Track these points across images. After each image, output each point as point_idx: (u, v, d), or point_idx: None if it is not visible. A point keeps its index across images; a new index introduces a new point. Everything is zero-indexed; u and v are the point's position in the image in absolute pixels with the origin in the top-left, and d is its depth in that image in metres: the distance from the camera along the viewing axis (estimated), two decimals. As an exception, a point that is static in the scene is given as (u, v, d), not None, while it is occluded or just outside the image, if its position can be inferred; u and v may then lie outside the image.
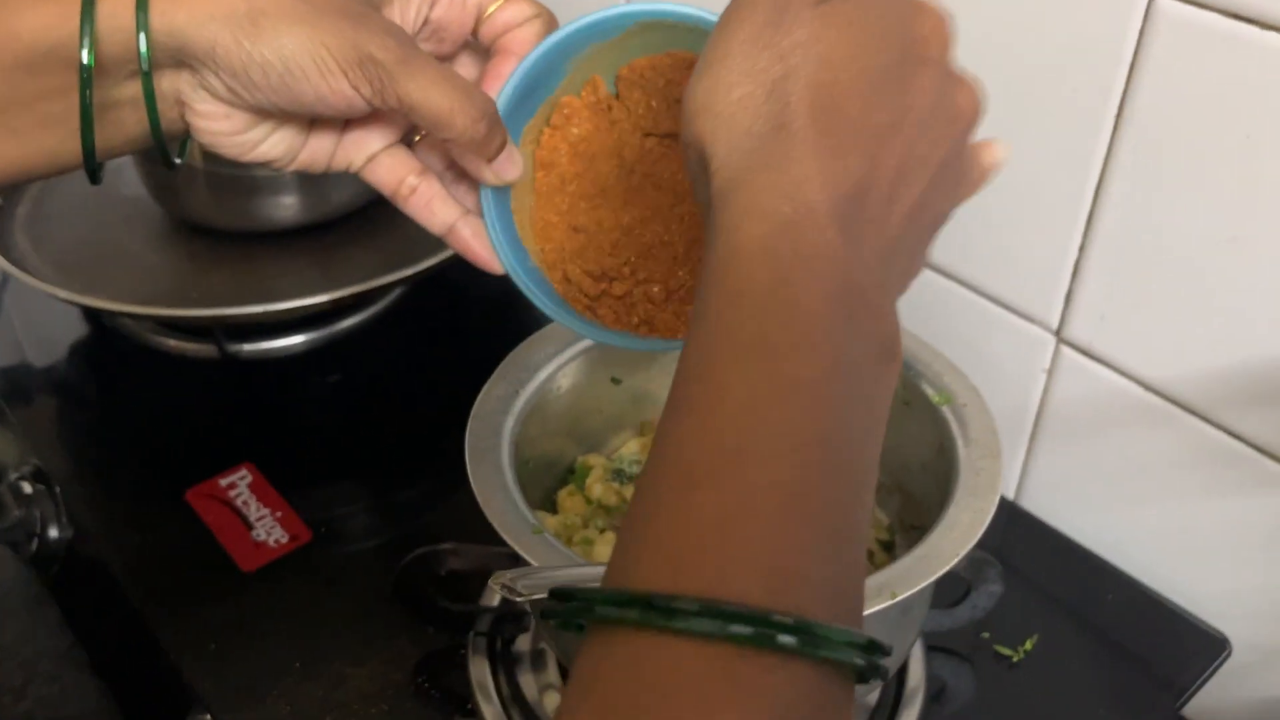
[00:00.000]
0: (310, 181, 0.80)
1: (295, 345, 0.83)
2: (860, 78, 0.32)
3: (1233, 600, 0.65)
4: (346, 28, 0.39)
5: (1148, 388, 0.66)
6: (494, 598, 0.64)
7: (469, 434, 0.52)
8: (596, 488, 0.58)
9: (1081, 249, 0.66)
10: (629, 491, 0.58)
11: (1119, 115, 0.61)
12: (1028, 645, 0.63)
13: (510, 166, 0.44)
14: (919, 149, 0.33)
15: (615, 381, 0.61)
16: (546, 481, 0.59)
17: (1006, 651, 0.63)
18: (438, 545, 0.59)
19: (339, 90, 0.39)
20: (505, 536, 0.46)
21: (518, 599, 0.40)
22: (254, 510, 0.72)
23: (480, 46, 0.46)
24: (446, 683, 0.62)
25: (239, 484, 0.73)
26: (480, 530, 0.70)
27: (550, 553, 0.46)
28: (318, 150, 0.44)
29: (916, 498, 0.57)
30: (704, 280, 0.32)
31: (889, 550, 0.57)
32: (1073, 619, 0.65)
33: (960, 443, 0.52)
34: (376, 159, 0.45)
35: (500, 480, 0.49)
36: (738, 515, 0.29)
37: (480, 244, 0.46)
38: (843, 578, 0.30)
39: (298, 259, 0.81)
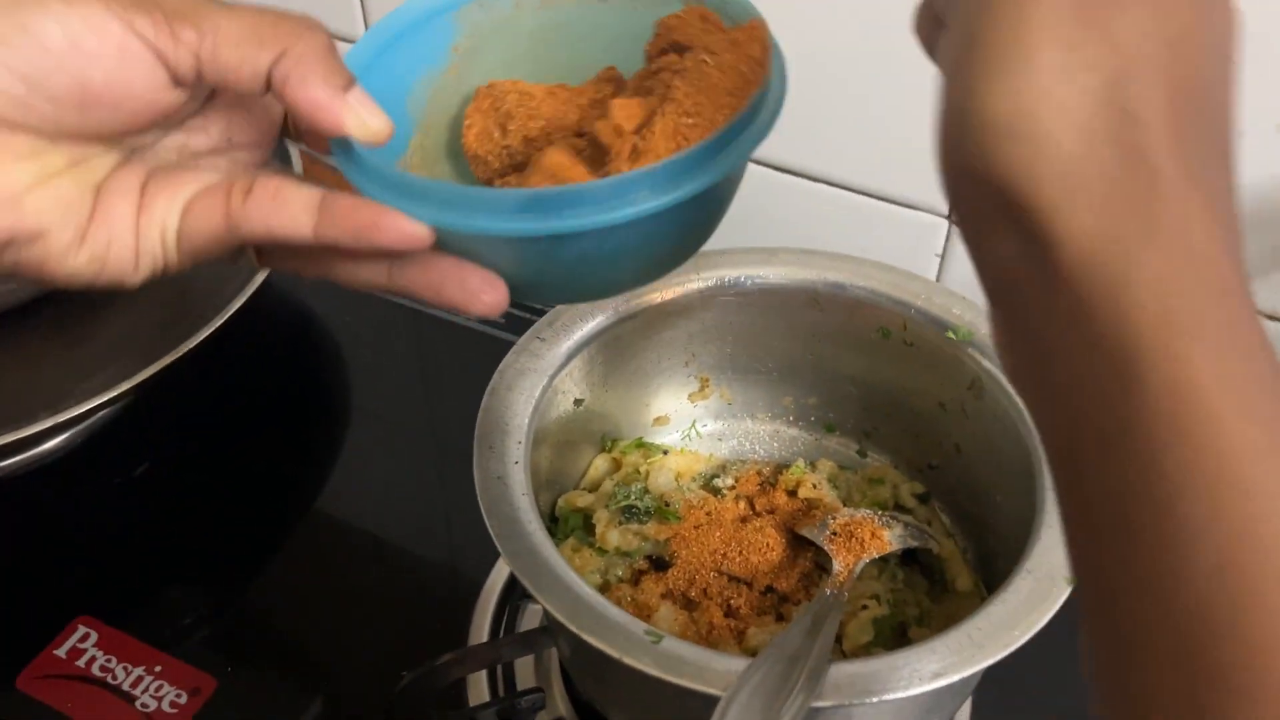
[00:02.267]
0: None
1: (65, 443, 0.65)
2: (1211, 63, 0.23)
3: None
4: None
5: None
6: (484, 689, 0.54)
7: (499, 540, 0.41)
8: (612, 536, 0.49)
9: (974, 127, 0.63)
10: (650, 529, 0.50)
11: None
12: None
13: (376, 117, 0.30)
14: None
15: (578, 404, 0.51)
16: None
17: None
18: (435, 661, 0.48)
19: (132, 51, 0.28)
20: (636, 664, 0.37)
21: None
22: (122, 675, 0.56)
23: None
24: (468, 798, 0.52)
25: (84, 647, 0.57)
26: (403, 595, 0.60)
27: (689, 660, 0.37)
28: (113, 223, 0.30)
29: (933, 438, 0.53)
30: (1149, 438, 0.21)
31: (926, 501, 0.53)
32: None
33: (1004, 379, 0.48)
34: (195, 203, 0.30)
35: (576, 588, 0.39)
36: None
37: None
38: None
39: (51, 340, 0.62)
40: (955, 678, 0.37)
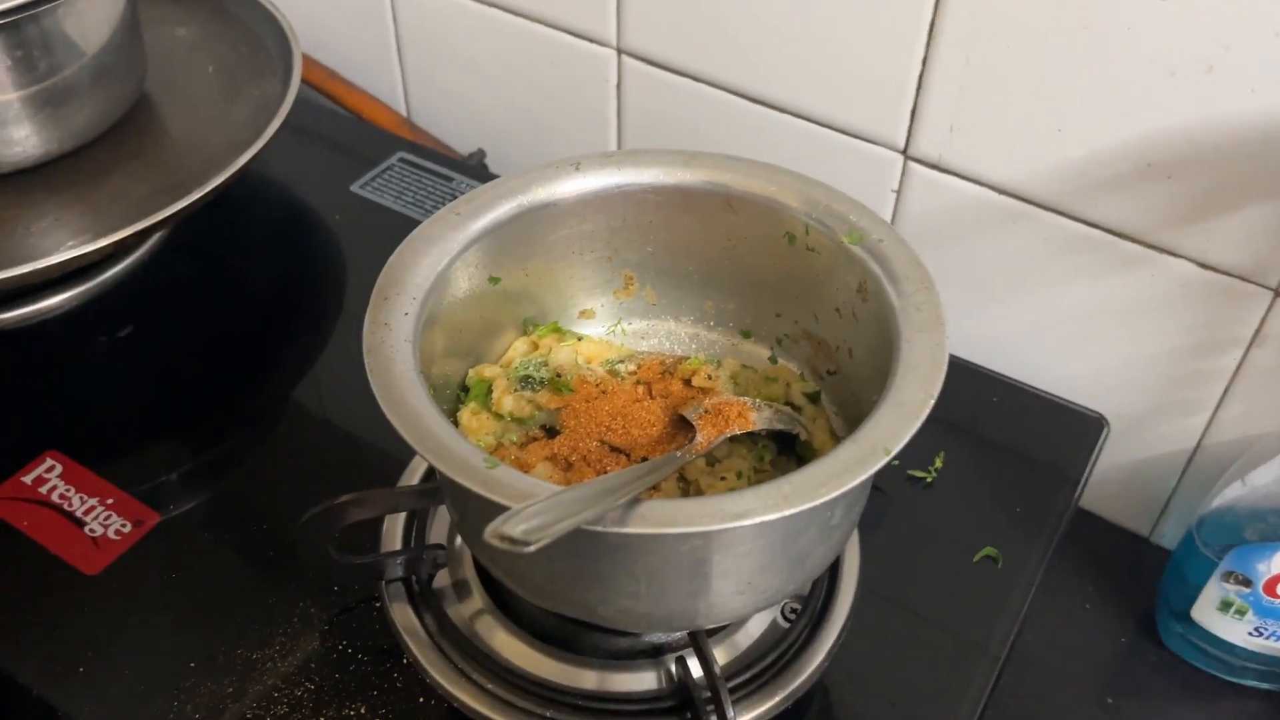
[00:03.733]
0: (43, 104, 0.67)
1: (66, 302, 0.71)
2: None
3: (1101, 378, 0.68)
4: None
5: (1000, 191, 0.66)
6: (396, 540, 0.58)
7: (371, 374, 0.45)
8: (506, 401, 0.53)
9: (925, 61, 0.64)
10: (543, 398, 0.53)
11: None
12: (937, 463, 0.64)
13: None
14: None
15: (494, 281, 0.55)
16: (441, 407, 0.53)
17: (919, 474, 0.64)
18: (334, 500, 0.52)
19: None
20: (462, 480, 0.40)
21: (527, 549, 0.35)
22: (78, 503, 0.61)
23: None
24: (367, 639, 0.56)
25: (49, 477, 0.63)
26: (351, 468, 0.64)
27: (514, 485, 0.41)
28: None
29: (830, 343, 0.55)
30: None
31: (816, 401, 0.55)
32: (967, 430, 0.67)
33: (885, 281, 0.50)
34: None
35: (429, 418, 0.43)
36: None
37: None
38: None
39: (48, 201, 0.68)
40: (753, 520, 0.39)
